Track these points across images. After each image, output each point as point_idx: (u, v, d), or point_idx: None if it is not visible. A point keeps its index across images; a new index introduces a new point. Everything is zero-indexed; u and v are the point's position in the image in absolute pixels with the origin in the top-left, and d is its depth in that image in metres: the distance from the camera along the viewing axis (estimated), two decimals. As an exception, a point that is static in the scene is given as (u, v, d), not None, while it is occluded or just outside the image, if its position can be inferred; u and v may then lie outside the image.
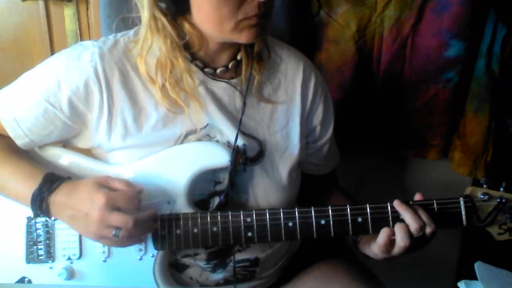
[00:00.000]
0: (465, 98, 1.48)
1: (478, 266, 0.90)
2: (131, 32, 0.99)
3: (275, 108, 1.04)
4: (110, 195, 0.86)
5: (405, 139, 1.54)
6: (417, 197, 0.95)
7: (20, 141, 0.97)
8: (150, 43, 0.93)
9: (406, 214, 0.91)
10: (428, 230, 0.91)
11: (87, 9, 1.58)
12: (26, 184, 0.91)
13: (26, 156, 0.99)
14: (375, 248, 0.94)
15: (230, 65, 1.00)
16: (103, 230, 0.87)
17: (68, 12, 1.58)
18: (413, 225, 0.90)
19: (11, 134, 0.96)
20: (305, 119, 1.07)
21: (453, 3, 1.35)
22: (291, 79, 1.05)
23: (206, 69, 0.98)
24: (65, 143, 1.01)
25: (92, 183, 0.89)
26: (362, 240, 1.00)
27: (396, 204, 0.93)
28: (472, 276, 0.89)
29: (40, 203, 0.90)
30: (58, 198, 0.89)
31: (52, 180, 0.91)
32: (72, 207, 0.88)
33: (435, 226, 0.91)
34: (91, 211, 0.86)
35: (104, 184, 0.89)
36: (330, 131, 1.12)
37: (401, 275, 1.35)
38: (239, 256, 1.03)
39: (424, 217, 0.91)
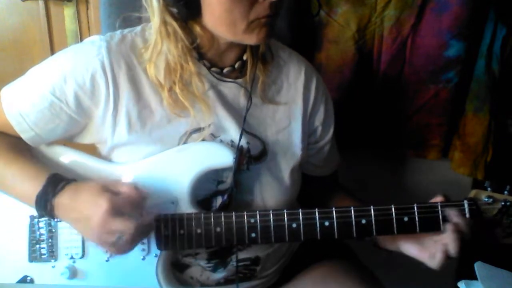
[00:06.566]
0: (465, 98, 1.48)
1: (478, 266, 0.91)
2: (138, 28, 0.99)
3: (277, 109, 1.04)
4: (113, 201, 0.84)
5: (405, 139, 1.54)
6: (438, 199, 0.94)
7: (25, 135, 0.96)
8: (160, 48, 0.93)
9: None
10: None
11: (87, 9, 1.57)
12: (31, 185, 0.90)
13: (31, 156, 0.98)
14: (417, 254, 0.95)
15: (236, 65, 1.00)
16: (104, 235, 0.84)
17: (68, 12, 1.57)
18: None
19: (17, 128, 0.95)
20: (307, 120, 1.08)
21: (453, 3, 1.35)
22: (294, 81, 1.06)
23: (213, 69, 0.98)
24: (70, 140, 1.00)
25: (98, 186, 0.87)
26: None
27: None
28: (472, 276, 0.90)
29: (45, 205, 0.89)
30: (62, 200, 0.88)
31: (57, 182, 0.90)
32: (75, 209, 0.87)
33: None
34: (94, 215, 0.84)
35: (109, 188, 0.87)
36: (331, 131, 1.13)
37: (401, 275, 1.35)
38: (240, 255, 1.03)
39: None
